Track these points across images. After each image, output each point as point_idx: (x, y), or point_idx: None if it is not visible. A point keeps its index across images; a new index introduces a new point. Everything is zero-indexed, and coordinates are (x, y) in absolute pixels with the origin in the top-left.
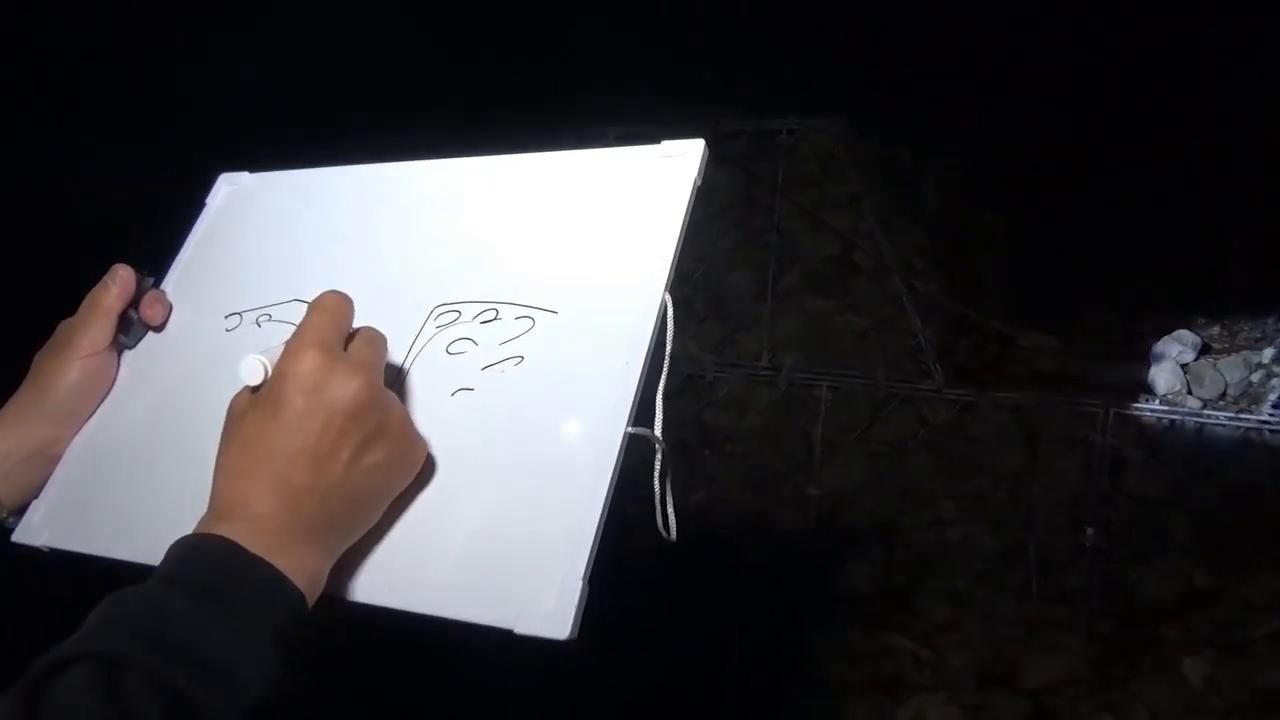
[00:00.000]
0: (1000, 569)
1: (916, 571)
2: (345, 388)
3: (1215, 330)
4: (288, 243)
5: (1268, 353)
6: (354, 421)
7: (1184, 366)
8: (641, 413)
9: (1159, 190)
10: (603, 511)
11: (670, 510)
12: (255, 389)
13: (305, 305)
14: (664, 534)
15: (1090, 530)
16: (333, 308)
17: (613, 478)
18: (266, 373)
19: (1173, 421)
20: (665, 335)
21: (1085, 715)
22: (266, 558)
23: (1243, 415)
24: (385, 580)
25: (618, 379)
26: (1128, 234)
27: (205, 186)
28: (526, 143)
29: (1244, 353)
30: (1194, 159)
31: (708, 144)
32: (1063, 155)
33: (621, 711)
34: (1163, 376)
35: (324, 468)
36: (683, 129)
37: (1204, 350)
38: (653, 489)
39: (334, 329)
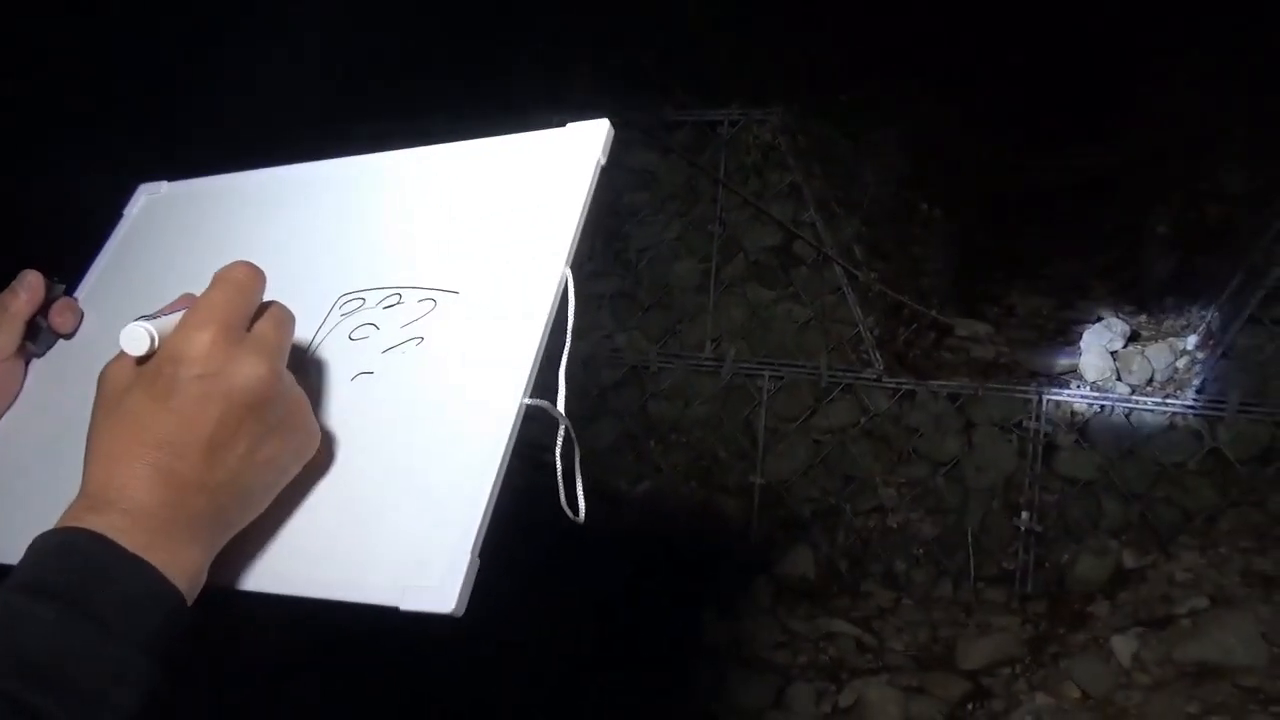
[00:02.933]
0: (939, 553)
1: (858, 557)
2: (247, 376)
3: (1143, 318)
4: (201, 249)
5: (1192, 339)
6: (253, 413)
7: (1113, 354)
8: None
9: (1090, 182)
10: (494, 483)
11: (579, 489)
12: (140, 361)
13: None
14: (569, 513)
15: (1024, 514)
16: (239, 281)
17: (507, 448)
18: (153, 343)
19: (1102, 407)
20: (566, 309)
21: (1019, 694)
22: (144, 555)
23: (1169, 400)
24: (272, 566)
25: (517, 355)
26: (1060, 224)
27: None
28: (464, 135)
29: (1170, 340)
30: (1124, 152)
31: (613, 125)
32: (999, 147)
33: (569, 693)
34: (1093, 363)
35: (216, 461)
36: (624, 119)
37: (1132, 338)
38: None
39: (239, 306)
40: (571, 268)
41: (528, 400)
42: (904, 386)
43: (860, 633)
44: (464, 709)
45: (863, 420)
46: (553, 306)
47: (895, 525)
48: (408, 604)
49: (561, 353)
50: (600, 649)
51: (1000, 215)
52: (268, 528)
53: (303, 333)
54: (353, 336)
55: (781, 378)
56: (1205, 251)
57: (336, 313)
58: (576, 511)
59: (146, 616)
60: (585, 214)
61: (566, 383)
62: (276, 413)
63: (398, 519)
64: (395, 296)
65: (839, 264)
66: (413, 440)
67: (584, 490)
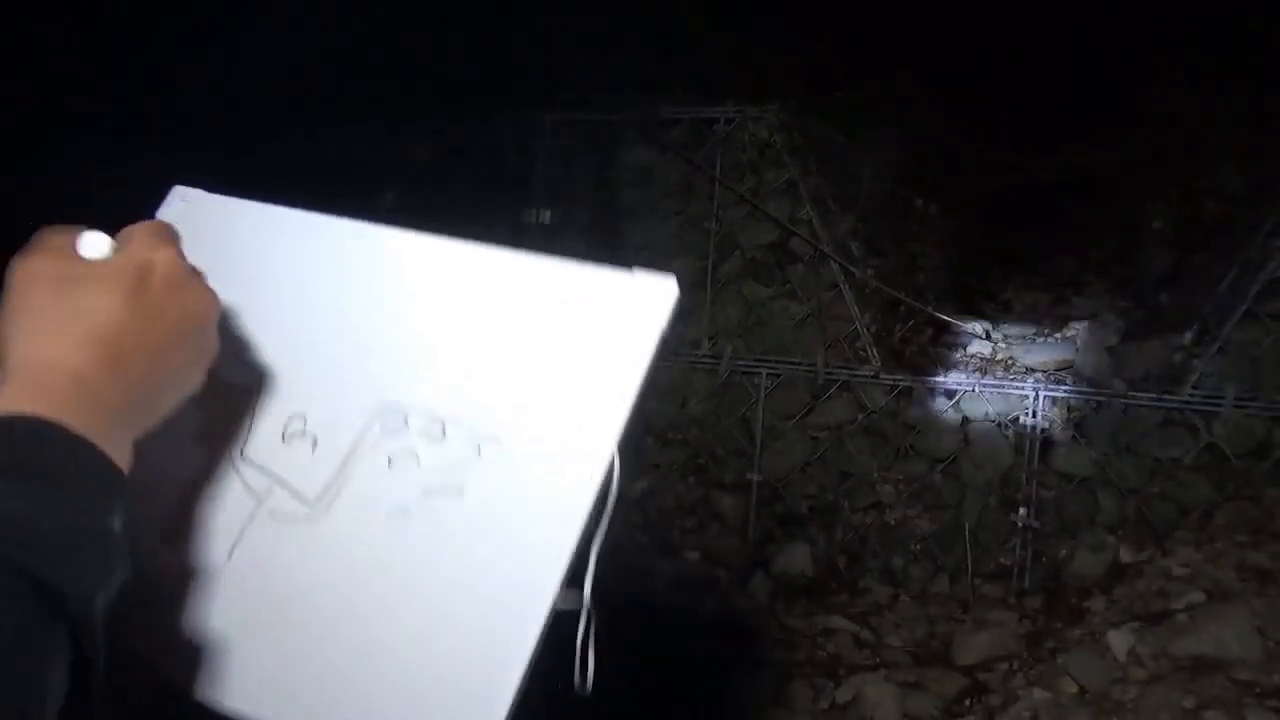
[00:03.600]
0: (936, 549)
1: (856, 553)
2: (199, 296)
3: (1140, 314)
4: (240, 283)
5: (1187, 335)
6: (197, 331)
7: (1109, 349)
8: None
9: (1087, 179)
10: (518, 688)
11: (590, 666)
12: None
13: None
14: (578, 684)
15: (1021, 509)
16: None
17: (537, 643)
18: (111, 252)
19: (1099, 403)
20: (609, 493)
21: (1017, 689)
22: (90, 438)
23: (1165, 396)
24: (299, 707)
25: (555, 538)
26: (1057, 221)
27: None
28: (460, 127)
29: (1166, 335)
30: (1121, 150)
31: (678, 287)
32: (996, 144)
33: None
34: (1089, 360)
35: (161, 364)
36: (620, 116)
37: (1128, 334)
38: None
39: (179, 241)
40: (620, 449)
41: (559, 607)
42: (901, 383)
43: (858, 629)
44: None
45: (860, 417)
46: (597, 495)
47: (893, 522)
48: None
49: (596, 529)
50: (596, 648)
51: (997, 212)
52: (299, 664)
53: (339, 436)
54: (392, 463)
55: (779, 375)
56: (1201, 248)
57: (378, 423)
58: (585, 686)
59: (101, 492)
60: (641, 390)
61: (597, 562)
62: (209, 337)
63: (419, 689)
64: (439, 428)
65: (836, 261)
66: (443, 612)
67: (578, 659)
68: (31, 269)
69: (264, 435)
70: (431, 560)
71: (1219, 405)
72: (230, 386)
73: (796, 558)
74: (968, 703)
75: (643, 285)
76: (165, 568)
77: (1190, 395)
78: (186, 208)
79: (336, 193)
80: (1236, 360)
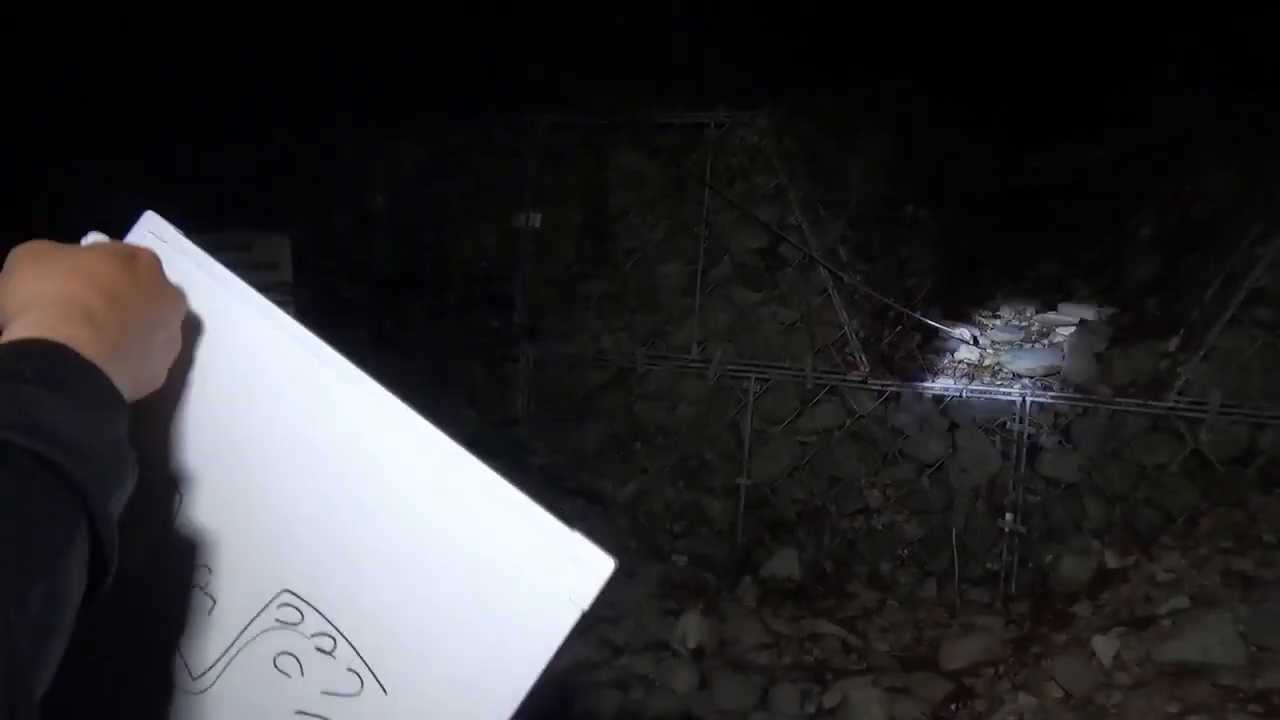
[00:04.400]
0: (923, 554)
1: (843, 558)
2: (177, 299)
3: (1126, 320)
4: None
5: (1174, 341)
6: (175, 320)
7: (1096, 355)
8: None
9: (1075, 184)
10: None
11: None
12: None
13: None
14: None
15: (1009, 515)
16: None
17: None
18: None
19: (1086, 409)
20: None
21: (1002, 694)
22: (99, 365)
23: (1151, 402)
24: None
25: None
26: (1045, 226)
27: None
28: (451, 131)
29: (1153, 341)
30: (1109, 155)
31: (616, 559)
32: (985, 150)
33: (559, 693)
34: (1076, 365)
35: (150, 326)
36: (611, 121)
37: (1115, 340)
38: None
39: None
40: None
41: None
42: (889, 388)
43: (845, 633)
44: None
45: (848, 422)
46: None
47: (880, 526)
48: None
49: None
50: (590, 651)
51: (986, 218)
52: None
53: (241, 607)
54: (277, 663)
55: (767, 380)
56: (1188, 253)
57: (272, 611)
58: None
59: (111, 408)
60: (543, 671)
61: None
62: (174, 332)
63: None
64: (330, 641)
65: (825, 266)
66: None
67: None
68: (33, 245)
69: (173, 568)
70: None
71: (1204, 412)
72: (154, 493)
73: (784, 562)
74: (954, 707)
75: (580, 553)
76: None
77: (1176, 401)
78: (152, 240)
79: (325, 194)
80: (1222, 367)
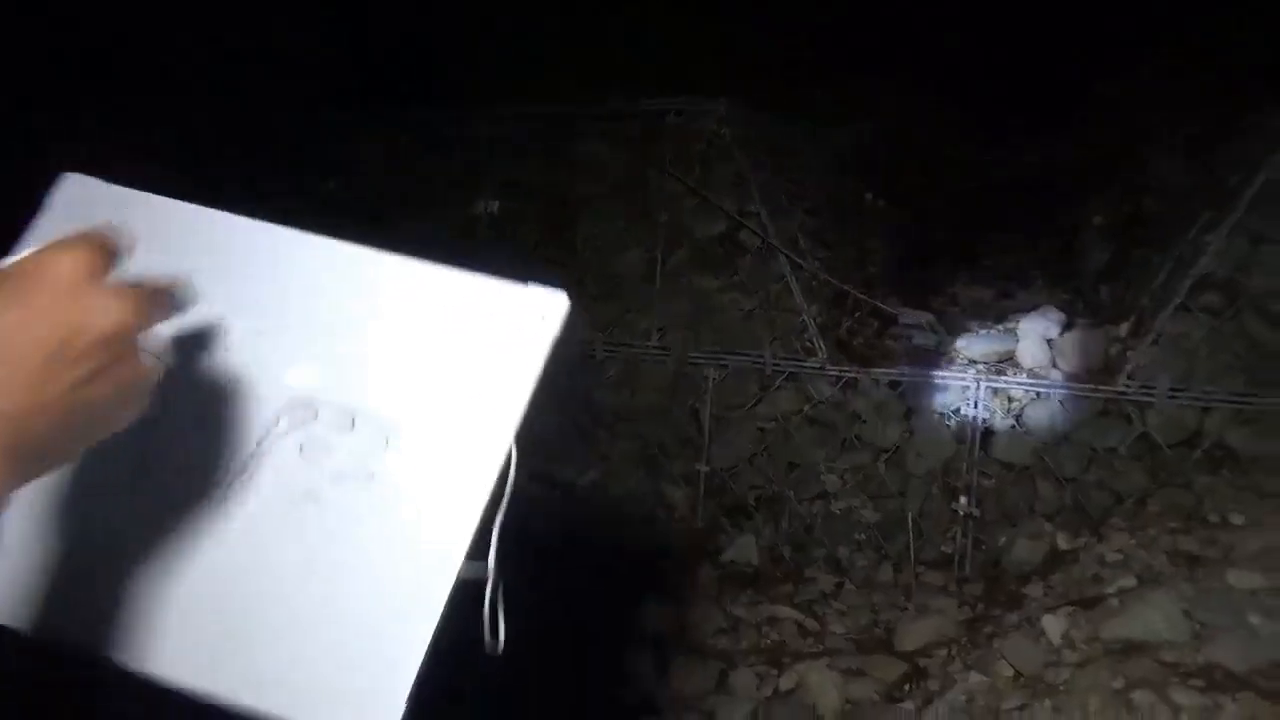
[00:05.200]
0: (880, 538)
1: (802, 543)
2: (102, 309)
3: (1079, 307)
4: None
5: (1124, 327)
6: (94, 349)
7: (1049, 341)
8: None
9: (1033, 175)
10: (427, 649)
11: (501, 626)
12: None
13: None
14: (488, 645)
15: (963, 498)
16: (106, 233)
17: (441, 616)
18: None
19: (1038, 394)
20: (508, 480)
21: (955, 674)
22: None
23: (1101, 387)
24: (212, 664)
25: (458, 517)
26: (1003, 216)
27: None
28: (411, 119)
29: (1104, 328)
30: (1066, 147)
31: (571, 301)
32: (941, 139)
33: (503, 672)
34: (1030, 351)
35: (43, 383)
36: (571, 108)
37: (1068, 326)
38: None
39: (107, 249)
40: (517, 440)
41: (463, 576)
42: (847, 374)
43: (803, 617)
44: None
45: (806, 408)
46: (497, 480)
47: (838, 511)
48: None
49: (498, 511)
50: (544, 636)
51: (944, 206)
52: (217, 626)
53: (255, 423)
54: (303, 451)
55: (727, 366)
56: (1139, 243)
57: (287, 417)
58: (497, 645)
59: None
60: (536, 387)
61: (499, 539)
62: (113, 358)
63: (337, 653)
64: (349, 420)
65: (784, 253)
66: (356, 585)
67: (487, 622)
68: None
69: (173, 424)
70: (343, 538)
71: (1153, 396)
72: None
73: (743, 548)
74: (907, 688)
75: (536, 297)
76: (83, 549)
77: (1125, 386)
78: (76, 196)
79: (284, 180)
80: (1170, 352)
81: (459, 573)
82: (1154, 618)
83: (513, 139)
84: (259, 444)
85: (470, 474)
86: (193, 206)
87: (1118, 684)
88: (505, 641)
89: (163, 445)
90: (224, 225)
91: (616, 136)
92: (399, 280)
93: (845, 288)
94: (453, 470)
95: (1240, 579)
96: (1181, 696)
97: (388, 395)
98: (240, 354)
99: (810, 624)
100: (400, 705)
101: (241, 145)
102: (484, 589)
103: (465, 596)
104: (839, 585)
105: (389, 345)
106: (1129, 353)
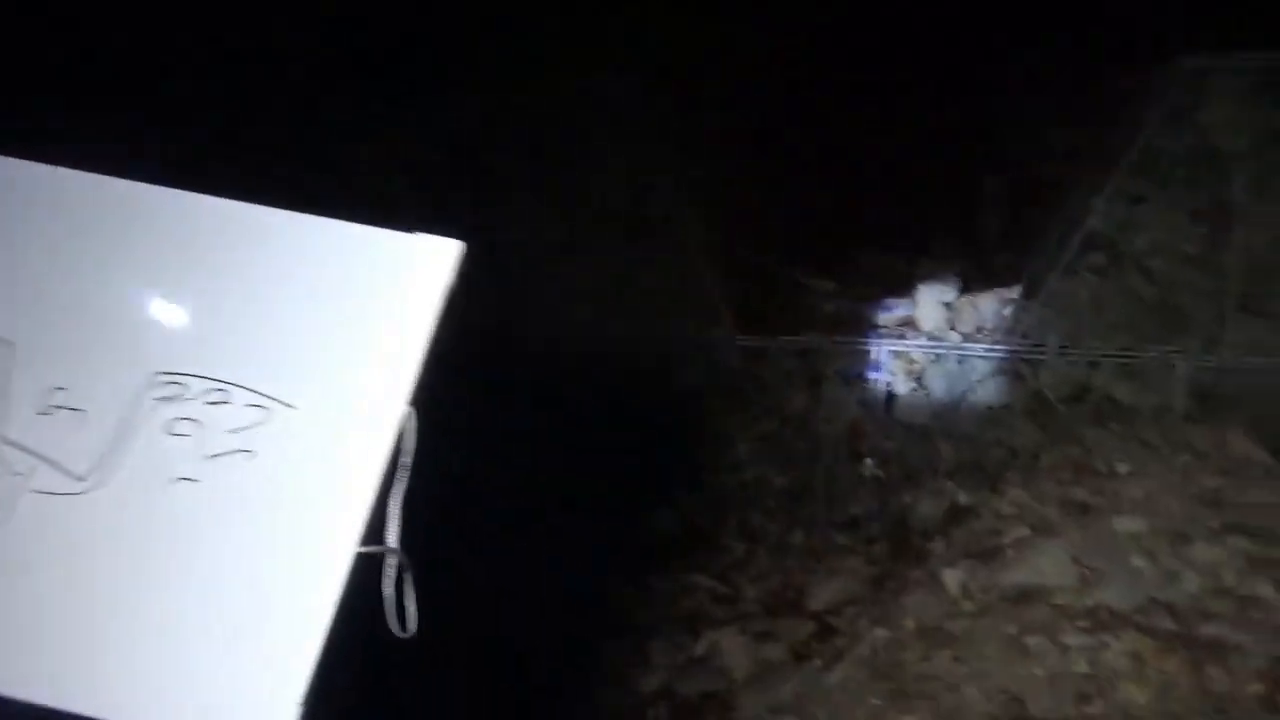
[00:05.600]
0: (791, 503)
1: (715, 512)
2: None
3: (974, 269)
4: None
5: (1017, 288)
6: None
7: (947, 304)
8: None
9: (930, 140)
10: (324, 634)
11: (411, 608)
12: None
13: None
14: (396, 630)
15: (868, 461)
16: None
17: (337, 601)
18: None
19: (937, 355)
20: (405, 445)
21: (861, 630)
22: None
23: (996, 347)
24: (83, 683)
25: (352, 492)
26: (905, 182)
27: None
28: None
29: (998, 290)
30: (961, 112)
31: (465, 245)
32: (844, 106)
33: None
34: (928, 314)
35: None
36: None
37: (965, 288)
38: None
39: None
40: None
41: (361, 549)
42: (754, 344)
43: (716, 584)
44: None
45: (716, 378)
46: (393, 449)
47: (750, 479)
48: None
49: (396, 483)
50: (460, 609)
51: (848, 174)
52: (82, 638)
53: (110, 407)
54: (173, 431)
55: (635, 339)
56: (1032, 206)
57: (152, 394)
58: (405, 629)
59: None
60: (429, 346)
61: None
62: None
63: (219, 658)
64: (222, 393)
65: (689, 223)
66: (239, 576)
67: (391, 609)
68: None
69: (20, 411)
70: (225, 520)
71: (1044, 354)
72: None
73: (658, 519)
74: (816, 645)
75: (425, 246)
76: None
77: (1018, 345)
78: None
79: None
80: (1059, 311)
81: (356, 552)
82: (1045, 565)
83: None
84: (124, 424)
85: (363, 444)
86: (23, 163)
87: (1012, 630)
88: (416, 622)
89: (5, 427)
90: (65, 181)
91: (526, 108)
92: (275, 235)
93: (751, 256)
94: (343, 441)
95: (1124, 524)
96: (1071, 638)
97: (264, 363)
98: (91, 325)
99: (723, 590)
100: (294, 710)
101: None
102: (387, 569)
103: (368, 578)
104: (751, 552)
105: (266, 306)
106: (1022, 313)
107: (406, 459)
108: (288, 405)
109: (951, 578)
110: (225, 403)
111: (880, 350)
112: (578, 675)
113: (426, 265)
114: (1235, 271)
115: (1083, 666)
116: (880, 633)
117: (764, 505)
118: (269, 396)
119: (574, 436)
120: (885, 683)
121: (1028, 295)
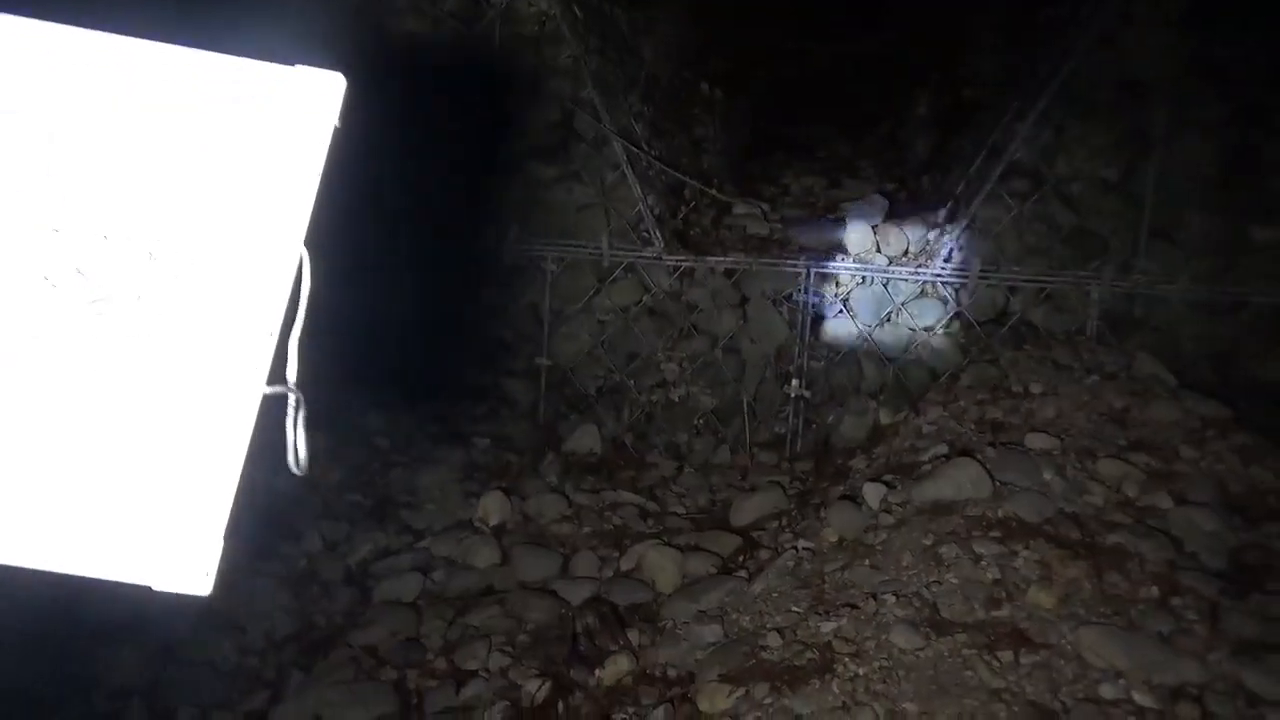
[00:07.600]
0: (717, 423)
1: (643, 431)
2: None
3: (901, 194)
4: None
5: (942, 213)
6: None
7: (874, 228)
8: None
9: (860, 65)
10: (238, 471)
11: (302, 449)
12: None
13: None
14: (294, 468)
15: (794, 381)
16: None
17: (248, 438)
18: None
19: (864, 278)
20: (302, 289)
21: (784, 543)
22: None
23: (920, 270)
24: (11, 537)
25: (255, 334)
26: (833, 107)
27: None
28: None
29: (923, 214)
30: (890, 36)
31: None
32: (774, 29)
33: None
34: (855, 237)
35: None
36: None
37: (891, 213)
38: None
39: None
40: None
41: (268, 389)
42: (684, 264)
43: (644, 501)
44: None
45: (644, 298)
46: (291, 291)
47: (677, 399)
48: (161, 584)
49: (293, 323)
50: (390, 538)
51: (778, 98)
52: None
53: None
54: (50, 279)
55: (564, 259)
56: (958, 132)
57: (32, 240)
58: (299, 467)
59: None
60: (319, 185)
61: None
62: None
63: (145, 496)
64: (102, 238)
65: (619, 142)
66: (150, 415)
67: (291, 446)
68: None
69: None
70: (115, 367)
71: (966, 278)
72: None
73: (586, 438)
74: (741, 559)
75: (309, 79)
76: None
77: (942, 269)
78: None
79: None
80: (982, 235)
81: (260, 393)
82: (960, 479)
83: (327, 15)
84: None
85: (256, 286)
86: None
87: (927, 540)
88: (308, 462)
89: None
90: None
91: (439, 15)
92: (149, 69)
93: (681, 177)
94: (235, 283)
95: (1036, 441)
96: (982, 547)
97: (145, 203)
98: None
99: (651, 507)
100: (217, 547)
101: None
102: (288, 409)
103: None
104: (679, 470)
105: (142, 145)
106: (945, 238)
107: (302, 299)
108: (172, 247)
109: (872, 493)
110: (103, 249)
111: (807, 272)
112: (502, 589)
113: (311, 100)
114: (1151, 200)
115: (994, 573)
116: (803, 545)
117: (691, 424)
118: (150, 239)
119: (495, 355)
120: (807, 590)
121: (951, 220)
